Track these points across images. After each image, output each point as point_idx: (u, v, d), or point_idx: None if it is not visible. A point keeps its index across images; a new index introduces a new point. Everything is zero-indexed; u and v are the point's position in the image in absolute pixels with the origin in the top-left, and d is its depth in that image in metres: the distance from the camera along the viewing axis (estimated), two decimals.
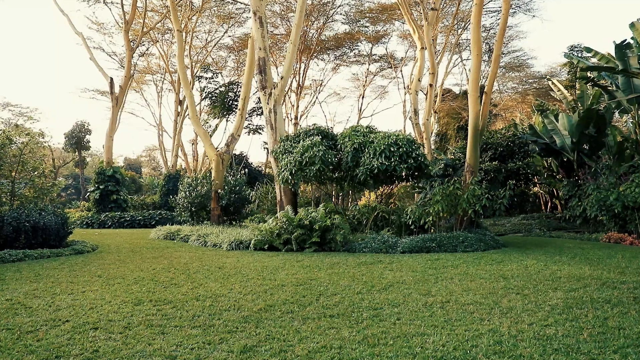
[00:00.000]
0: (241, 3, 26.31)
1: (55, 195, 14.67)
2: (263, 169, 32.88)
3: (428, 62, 21.07)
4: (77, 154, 36.77)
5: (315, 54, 31.20)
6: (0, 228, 9.90)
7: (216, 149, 18.44)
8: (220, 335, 4.17)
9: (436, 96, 28.40)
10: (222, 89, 28.21)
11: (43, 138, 13.66)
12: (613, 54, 14.26)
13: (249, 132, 29.84)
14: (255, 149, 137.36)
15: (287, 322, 4.58)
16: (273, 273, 7.41)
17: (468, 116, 14.55)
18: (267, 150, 24.37)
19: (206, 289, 6.15)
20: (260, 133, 30.05)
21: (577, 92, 17.28)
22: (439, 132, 34.43)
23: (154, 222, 20.48)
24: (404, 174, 11.51)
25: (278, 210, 13.44)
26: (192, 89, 25.71)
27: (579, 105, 17.17)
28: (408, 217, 11.36)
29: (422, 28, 20.17)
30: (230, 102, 27.31)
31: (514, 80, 34.99)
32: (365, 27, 30.08)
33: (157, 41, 28.94)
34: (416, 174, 12.14)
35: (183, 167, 35.66)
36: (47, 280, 6.88)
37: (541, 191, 21.21)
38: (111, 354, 3.76)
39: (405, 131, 32.21)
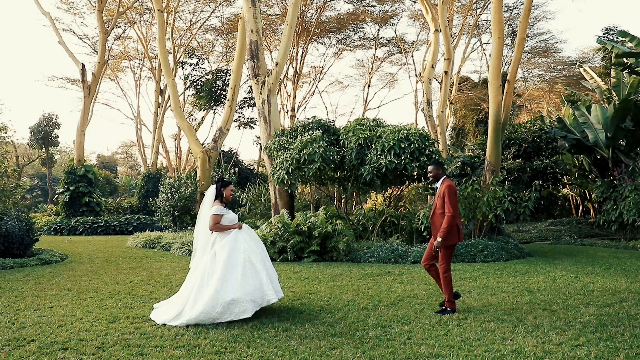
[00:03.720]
0: None
1: (19, 198, 14.70)
2: (255, 167, 32.91)
3: (443, 47, 21.08)
4: (44, 150, 36.77)
5: (314, 37, 31.21)
6: None
7: (202, 144, 18.45)
8: (206, 357, 4.17)
9: (452, 85, 28.41)
10: (209, 76, 28.21)
11: (5, 133, 13.70)
12: None
13: (239, 126, 29.85)
14: (247, 145, 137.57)
15: (282, 341, 4.58)
16: None
17: (488, 108, 14.56)
18: (260, 147, 24.37)
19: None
20: (252, 127, 30.04)
21: (613, 80, 17.28)
22: (455, 125, 34.45)
23: (131, 228, 20.48)
24: (415, 173, 11.51)
25: (272, 215, 13.45)
26: (175, 76, 25.70)
27: (615, 95, 17.17)
28: (420, 222, 11.36)
29: (436, 7, 20.18)
30: (218, 91, 27.31)
31: (541, 67, 35.00)
32: (372, 6, 30.09)
33: (135, 22, 28.95)
34: None
35: (164, 165, 35.68)
36: (10, 294, 6.88)
37: (571, 193, 21.22)
38: None
39: (417, 125, 32.23)
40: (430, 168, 5.90)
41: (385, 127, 12.07)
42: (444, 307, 5.61)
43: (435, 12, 20.20)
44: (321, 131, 12.22)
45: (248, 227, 5.84)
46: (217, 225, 5.59)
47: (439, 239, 5.50)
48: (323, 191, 14.76)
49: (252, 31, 14.03)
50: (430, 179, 5.91)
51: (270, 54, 30.76)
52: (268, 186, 15.73)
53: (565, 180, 18.77)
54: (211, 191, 5.83)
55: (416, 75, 33.66)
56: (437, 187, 5.79)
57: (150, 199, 19.30)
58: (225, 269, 5.33)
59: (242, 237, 5.59)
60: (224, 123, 17.64)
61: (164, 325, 5.17)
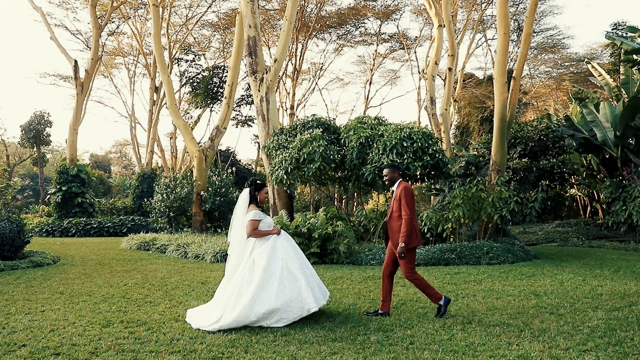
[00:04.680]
0: None
1: (10, 198, 14.71)
2: (253, 167, 32.91)
3: (446, 43, 21.09)
4: (35, 149, 36.77)
5: (314, 33, 31.21)
6: None
7: (198, 143, 18.46)
8: None
9: (456, 82, 28.41)
10: (206, 73, 28.22)
11: None
12: None
13: (237, 124, 29.86)
14: (245, 144, 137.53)
15: (281, 346, 4.58)
16: None
17: (493, 106, 14.57)
18: (259, 145, 24.38)
19: (187, 307, 6.15)
20: (250, 125, 30.06)
21: (622, 77, 17.29)
22: (459, 124, 34.45)
23: (125, 230, 20.49)
24: (418, 173, 11.52)
25: (271, 216, 13.46)
26: (171, 73, 25.71)
27: (624, 93, 17.17)
28: (423, 223, 11.37)
29: (440, 2, 20.19)
30: (215, 88, 27.32)
31: (548, 64, 35.02)
32: (373, 0, 30.12)
33: (129, 18, 28.96)
34: (433, 173, 12.15)
35: (159, 165, 35.67)
36: (0, 297, 6.88)
37: (579, 193, 21.23)
38: None
39: (420, 123, 32.23)
40: (385, 172, 5.82)
41: (387, 126, 12.07)
42: (440, 304, 5.58)
43: (439, 7, 20.21)
44: (321, 130, 12.22)
45: (285, 232, 5.78)
46: (256, 231, 5.51)
47: (401, 244, 5.43)
48: (323, 191, 14.76)
49: (250, 26, 14.03)
50: (387, 183, 5.84)
51: (269, 50, 30.77)
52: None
53: (573, 180, 18.78)
54: (244, 195, 5.71)
55: (419, 72, 33.65)
56: (393, 191, 5.74)
57: (145, 200, 19.30)
58: (263, 277, 5.29)
59: (280, 244, 5.52)
60: (221, 121, 17.64)
61: (198, 329, 5.17)
